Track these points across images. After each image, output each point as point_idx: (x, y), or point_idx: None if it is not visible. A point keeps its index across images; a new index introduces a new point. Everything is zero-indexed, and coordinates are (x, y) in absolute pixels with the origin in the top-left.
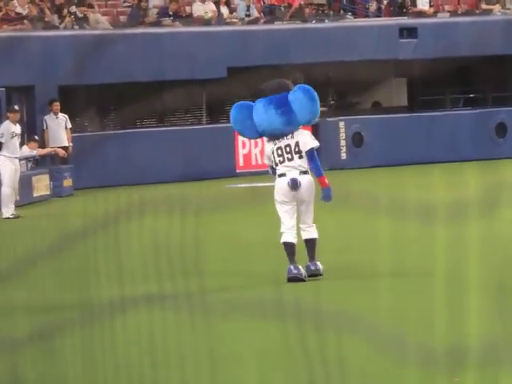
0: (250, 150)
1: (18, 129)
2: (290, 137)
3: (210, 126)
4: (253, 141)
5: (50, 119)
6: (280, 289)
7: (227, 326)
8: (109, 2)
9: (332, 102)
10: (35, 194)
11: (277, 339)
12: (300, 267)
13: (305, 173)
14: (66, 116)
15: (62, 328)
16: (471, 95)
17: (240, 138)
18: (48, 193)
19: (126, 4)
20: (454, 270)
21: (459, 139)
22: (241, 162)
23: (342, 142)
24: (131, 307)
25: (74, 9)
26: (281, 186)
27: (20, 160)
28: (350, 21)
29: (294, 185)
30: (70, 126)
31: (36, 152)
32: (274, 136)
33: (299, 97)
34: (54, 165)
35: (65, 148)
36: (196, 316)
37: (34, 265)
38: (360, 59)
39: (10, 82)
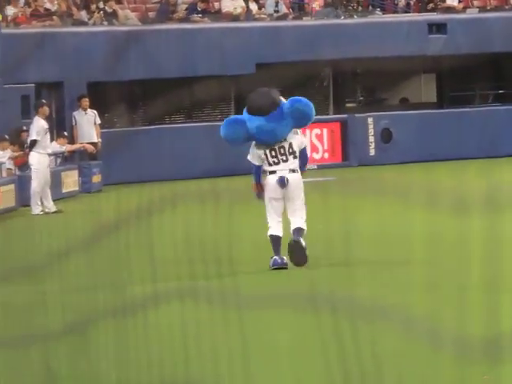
0: None
1: (46, 124)
2: (282, 139)
3: None
4: None
5: (78, 115)
6: (313, 279)
7: (260, 318)
8: None
9: (360, 98)
10: (64, 190)
11: (310, 331)
12: (284, 258)
13: (294, 171)
14: (95, 112)
15: (94, 322)
16: (501, 91)
17: None
18: (77, 189)
19: (155, 0)
20: (489, 263)
21: (488, 135)
22: None
23: (371, 138)
24: (163, 300)
25: (102, 4)
26: (271, 182)
27: (49, 156)
28: (378, 17)
29: (282, 183)
30: (98, 121)
31: (65, 148)
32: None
33: (297, 108)
34: (82, 161)
35: (94, 144)
36: (229, 308)
37: (63, 260)
38: (389, 55)
39: (39, 78)
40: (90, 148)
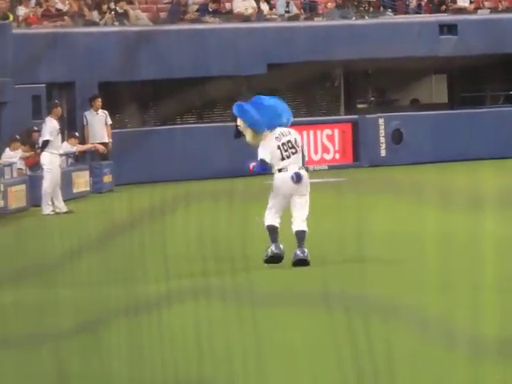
0: None
1: (58, 125)
2: (287, 133)
3: None
4: None
5: (90, 115)
6: (326, 278)
7: (273, 316)
8: None
9: (372, 99)
10: (75, 190)
11: (324, 330)
12: (281, 246)
13: (302, 168)
14: (106, 112)
15: (107, 321)
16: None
17: None
18: (88, 189)
19: (166, 0)
20: (503, 263)
21: (499, 136)
22: None
23: (382, 139)
24: (177, 299)
25: (113, 5)
26: (283, 179)
27: (61, 156)
28: (389, 17)
29: (298, 178)
30: (110, 122)
31: (76, 148)
32: (281, 125)
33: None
34: (93, 161)
35: (105, 144)
36: (243, 306)
37: (75, 259)
38: (400, 56)
39: (50, 78)
40: (101, 148)
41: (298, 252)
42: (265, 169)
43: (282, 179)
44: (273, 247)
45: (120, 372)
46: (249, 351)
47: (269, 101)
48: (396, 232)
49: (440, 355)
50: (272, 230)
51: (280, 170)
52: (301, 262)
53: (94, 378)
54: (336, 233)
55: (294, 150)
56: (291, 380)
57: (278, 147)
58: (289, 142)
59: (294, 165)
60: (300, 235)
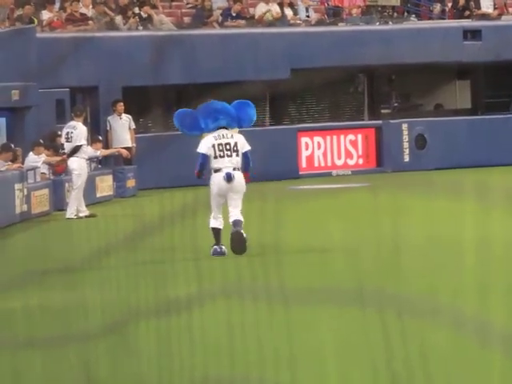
0: (313, 152)
1: None
2: (229, 136)
3: (272, 127)
4: (316, 143)
5: (113, 120)
6: (360, 275)
7: (306, 314)
8: (173, 3)
9: (395, 104)
10: (98, 195)
11: (357, 329)
12: (223, 247)
13: (237, 169)
14: (130, 117)
15: (135, 323)
16: None
17: (303, 140)
18: (111, 193)
19: (190, 5)
20: None
21: None
22: (303, 163)
23: (405, 144)
24: (208, 300)
25: (137, 10)
26: (217, 179)
27: (86, 161)
28: (413, 23)
29: (229, 178)
30: (133, 126)
31: (100, 152)
32: (216, 128)
33: (241, 105)
34: (117, 165)
35: (128, 149)
36: (275, 305)
37: (102, 261)
38: (423, 61)
39: (74, 82)
40: (125, 153)
41: (233, 229)
42: (203, 162)
43: (216, 179)
44: (216, 247)
45: (149, 374)
46: (281, 352)
47: (211, 106)
48: (432, 233)
49: (476, 356)
50: (215, 232)
51: (215, 171)
52: (236, 235)
53: (121, 380)
54: (371, 234)
55: (229, 153)
56: (322, 381)
57: (213, 146)
58: (226, 144)
59: (228, 166)
60: (236, 223)
